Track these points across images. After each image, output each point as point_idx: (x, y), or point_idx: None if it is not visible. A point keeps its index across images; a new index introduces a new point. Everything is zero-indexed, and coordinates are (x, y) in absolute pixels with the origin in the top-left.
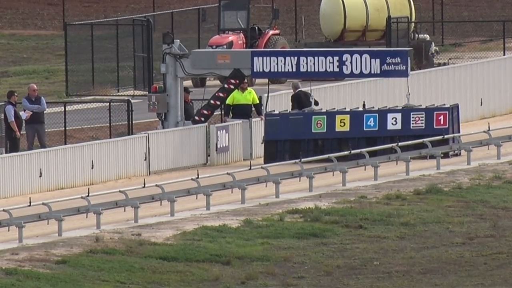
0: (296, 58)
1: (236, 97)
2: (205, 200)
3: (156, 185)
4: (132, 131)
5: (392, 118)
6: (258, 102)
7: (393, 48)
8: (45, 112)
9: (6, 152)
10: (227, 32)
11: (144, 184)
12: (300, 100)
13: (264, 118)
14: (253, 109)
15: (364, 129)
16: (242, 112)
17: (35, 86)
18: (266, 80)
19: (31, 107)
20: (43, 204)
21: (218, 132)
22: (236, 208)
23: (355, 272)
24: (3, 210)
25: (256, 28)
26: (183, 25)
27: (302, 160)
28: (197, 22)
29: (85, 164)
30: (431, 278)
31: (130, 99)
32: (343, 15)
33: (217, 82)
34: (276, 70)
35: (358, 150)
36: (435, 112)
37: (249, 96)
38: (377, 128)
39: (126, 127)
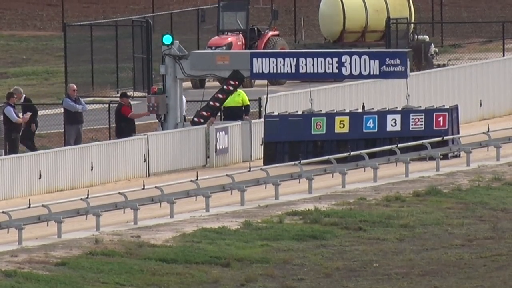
0: (295, 59)
1: None
2: (204, 202)
3: (155, 187)
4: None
5: (392, 120)
6: (247, 103)
7: (393, 49)
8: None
9: (5, 154)
10: (226, 33)
11: (144, 186)
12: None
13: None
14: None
15: (364, 130)
16: (233, 114)
17: (75, 86)
18: (265, 81)
19: (78, 107)
20: (42, 206)
21: (218, 133)
22: (235, 210)
23: (355, 274)
24: (3, 212)
25: (256, 29)
26: (182, 26)
27: (302, 161)
28: (196, 23)
29: (85, 166)
30: (431, 280)
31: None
32: (342, 16)
33: (217, 83)
34: (275, 71)
35: (358, 152)
36: (434, 114)
37: (237, 98)
38: (376, 130)
39: None
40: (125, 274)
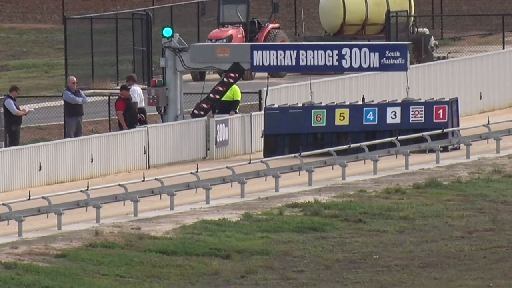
0: (295, 52)
1: None
2: (204, 194)
3: (155, 179)
4: None
5: (392, 112)
6: (238, 98)
7: (393, 42)
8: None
9: (5, 146)
10: (226, 25)
11: (144, 178)
12: None
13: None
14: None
15: (364, 123)
16: (224, 107)
17: (74, 79)
18: (265, 74)
19: (78, 99)
20: (42, 198)
21: (218, 126)
22: (235, 202)
23: (355, 266)
24: (3, 204)
25: (256, 21)
26: (183, 18)
27: (302, 154)
28: (197, 15)
29: (85, 158)
30: (430, 272)
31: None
32: (342, 9)
33: (217, 75)
34: (275, 64)
35: (358, 144)
36: (434, 106)
37: (229, 92)
38: (376, 122)
39: None
40: (125, 266)
